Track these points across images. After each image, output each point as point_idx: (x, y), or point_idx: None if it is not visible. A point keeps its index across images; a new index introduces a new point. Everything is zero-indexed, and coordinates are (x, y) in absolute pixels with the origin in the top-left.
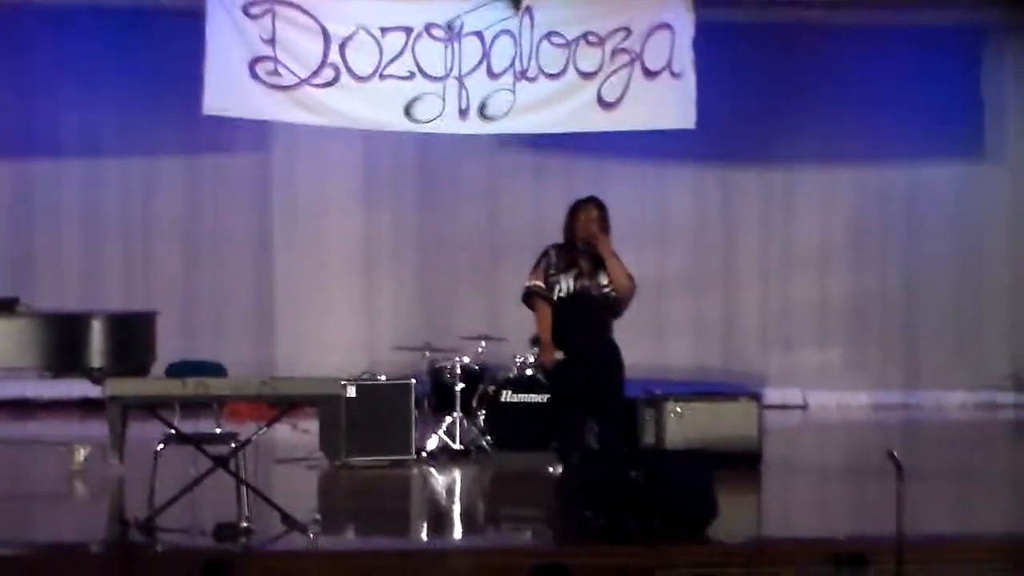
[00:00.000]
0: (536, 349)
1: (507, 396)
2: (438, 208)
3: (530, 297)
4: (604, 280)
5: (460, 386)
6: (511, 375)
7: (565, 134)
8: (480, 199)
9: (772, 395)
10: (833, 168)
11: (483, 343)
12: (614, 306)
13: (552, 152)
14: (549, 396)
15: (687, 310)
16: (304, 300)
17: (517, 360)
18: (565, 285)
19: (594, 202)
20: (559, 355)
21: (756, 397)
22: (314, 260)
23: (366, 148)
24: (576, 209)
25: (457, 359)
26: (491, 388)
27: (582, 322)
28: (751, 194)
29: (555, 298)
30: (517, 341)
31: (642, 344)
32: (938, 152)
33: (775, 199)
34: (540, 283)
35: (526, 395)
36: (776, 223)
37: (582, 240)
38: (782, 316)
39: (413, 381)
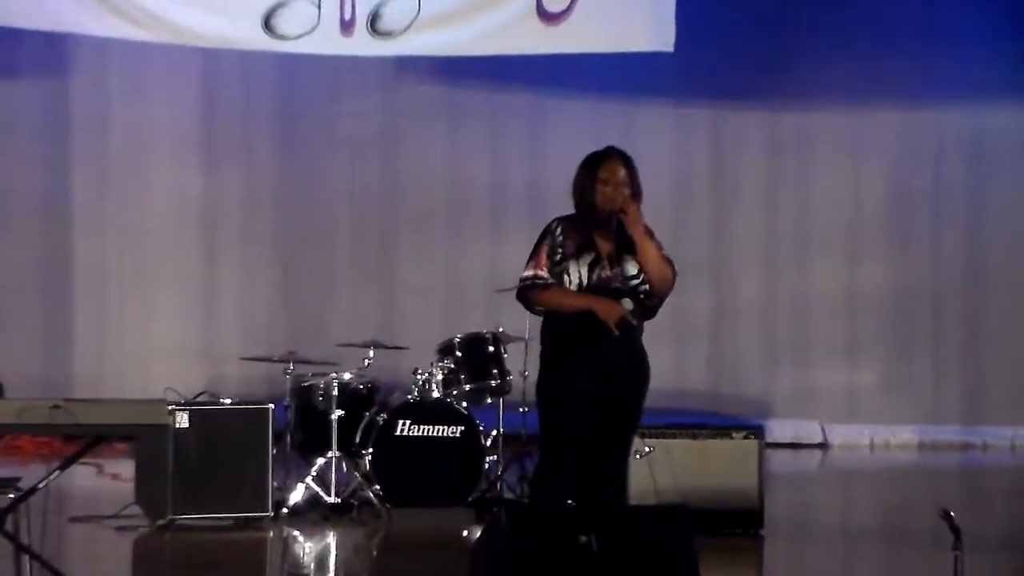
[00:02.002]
0: (444, 360)
1: (405, 428)
2: (309, 162)
3: (528, 294)
4: (633, 268)
5: (338, 413)
6: (411, 398)
7: (490, 58)
8: (370, 149)
9: (780, 429)
10: (866, 111)
11: (371, 353)
12: (645, 303)
13: (471, 83)
14: (540, 424)
15: (662, 309)
16: (116, 289)
17: (419, 376)
18: (576, 275)
19: (619, 157)
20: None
21: (757, 432)
22: (131, 233)
23: (207, 76)
24: (594, 166)
25: (334, 375)
26: (382, 417)
27: (601, 326)
28: (752, 145)
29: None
30: (419, 350)
31: None
32: (1008, 91)
33: (785, 152)
34: (542, 273)
35: (432, 427)
36: (787, 186)
37: (605, 212)
38: (794, 318)
39: (271, 406)
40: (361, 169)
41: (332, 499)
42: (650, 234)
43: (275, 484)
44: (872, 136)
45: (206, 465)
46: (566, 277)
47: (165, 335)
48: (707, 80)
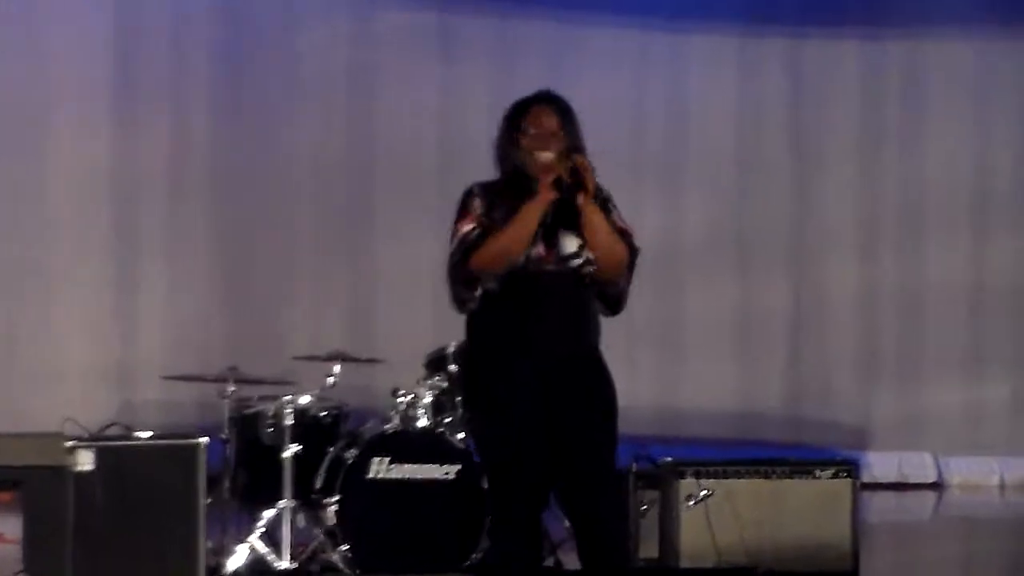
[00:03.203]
0: (434, 377)
1: (382, 468)
2: (256, 116)
3: (464, 266)
4: (572, 244)
5: (292, 449)
6: (390, 428)
7: None
8: (337, 97)
9: (881, 464)
10: (996, 38)
11: (336, 368)
12: (598, 288)
13: (472, 8)
14: (479, 455)
15: (719, 302)
16: (0, 290)
17: (401, 399)
18: None
19: (547, 102)
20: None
21: (850, 468)
22: (20, 217)
23: (120, 10)
24: (516, 116)
25: (287, 399)
26: (351, 453)
27: (539, 321)
28: (844, 86)
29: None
30: (401, 363)
31: (629, 366)
32: None
33: (889, 95)
34: (473, 227)
35: (418, 466)
36: (890, 140)
37: (534, 174)
38: (900, 318)
39: (204, 441)
40: (326, 124)
41: (285, 563)
42: (604, 201)
43: (209, 544)
44: (1004, 72)
45: (118, 519)
46: None
47: (64, 348)
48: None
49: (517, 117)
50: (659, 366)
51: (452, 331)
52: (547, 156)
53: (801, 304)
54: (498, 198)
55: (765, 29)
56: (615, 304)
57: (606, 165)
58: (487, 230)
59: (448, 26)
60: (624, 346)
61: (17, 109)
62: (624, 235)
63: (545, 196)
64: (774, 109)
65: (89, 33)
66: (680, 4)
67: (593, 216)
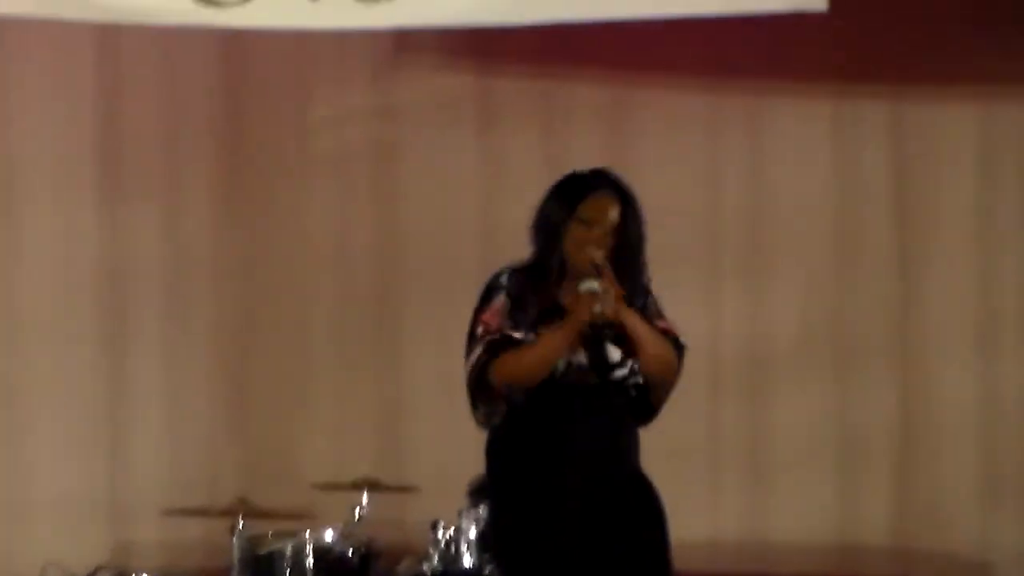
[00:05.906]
0: (479, 507)
1: None
2: (264, 198)
3: (484, 377)
4: (615, 353)
5: None
6: (427, 570)
7: (541, 29)
8: (359, 176)
9: None
10: None
11: (364, 498)
12: (638, 402)
13: (514, 71)
14: None
15: (813, 415)
16: None
17: (441, 533)
18: None
19: (613, 190)
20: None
21: None
22: None
23: (105, 66)
24: (573, 199)
25: (308, 535)
26: None
27: (576, 439)
28: (960, 156)
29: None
30: (439, 490)
31: (711, 493)
32: None
33: (1012, 165)
34: (509, 333)
35: None
36: (1011, 220)
37: (579, 268)
38: None
39: None
40: (346, 207)
41: None
42: (642, 291)
43: None
44: None
45: None
46: None
47: (44, 480)
48: (883, 53)
49: (574, 199)
50: (744, 492)
51: None
52: (600, 255)
53: (910, 416)
54: (530, 293)
55: (862, 91)
56: (651, 413)
57: (674, 257)
58: (507, 341)
59: (487, 89)
60: (705, 469)
61: None
62: (667, 336)
63: (579, 319)
64: (875, 184)
65: (67, 105)
66: (759, 66)
67: (637, 331)
